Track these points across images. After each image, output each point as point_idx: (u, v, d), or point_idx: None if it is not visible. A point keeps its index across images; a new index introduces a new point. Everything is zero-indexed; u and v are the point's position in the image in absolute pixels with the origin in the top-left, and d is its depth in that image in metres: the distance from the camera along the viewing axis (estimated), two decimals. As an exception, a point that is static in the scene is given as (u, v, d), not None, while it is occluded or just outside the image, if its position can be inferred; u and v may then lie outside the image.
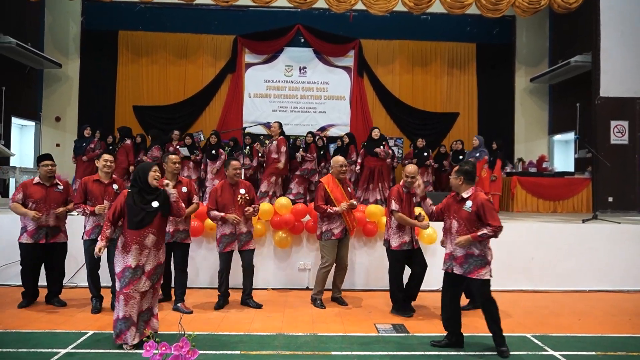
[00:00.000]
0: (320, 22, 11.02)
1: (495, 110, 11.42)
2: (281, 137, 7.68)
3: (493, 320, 3.70)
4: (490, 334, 3.74)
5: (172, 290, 5.02)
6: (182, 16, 10.98)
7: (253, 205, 4.91)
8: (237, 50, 11.15)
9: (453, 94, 11.51)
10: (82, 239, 4.68)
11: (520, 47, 11.58)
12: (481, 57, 11.49)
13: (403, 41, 11.40)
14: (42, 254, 4.76)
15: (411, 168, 4.83)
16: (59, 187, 4.79)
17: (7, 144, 9.50)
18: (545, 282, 5.91)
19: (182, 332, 1.90)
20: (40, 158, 4.80)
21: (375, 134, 8.17)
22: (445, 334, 3.89)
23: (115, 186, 4.71)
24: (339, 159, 5.10)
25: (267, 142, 9.25)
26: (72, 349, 3.62)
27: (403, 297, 4.84)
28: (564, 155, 11.53)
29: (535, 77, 11.11)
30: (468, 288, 4.32)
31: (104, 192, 4.63)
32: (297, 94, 11.36)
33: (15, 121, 10.22)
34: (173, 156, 4.78)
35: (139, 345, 3.52)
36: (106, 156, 4.73)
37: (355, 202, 4.97)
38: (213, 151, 8.18)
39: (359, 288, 5.75)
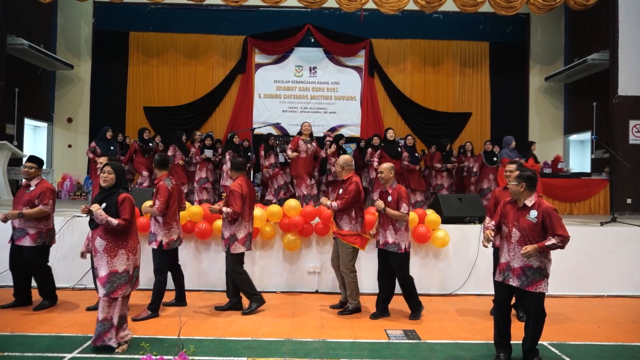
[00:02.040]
0: (331, 21, 10.93)
1: (508, 110, 11.22)
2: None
3: (539, 334, 3.58)
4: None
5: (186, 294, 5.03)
6: (192, 17, 10.97)
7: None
8: (247, 50, 11.10)
9: (465, 93, 11.33)
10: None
11: (535, 45, 11.35)
12: (494, 56, 11.29)
13: (414, 40, 11.25)
14: (16, 254, 4.77)
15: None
16: (30, 188, 4.74)
17: (20, 145, 9.58)
18: (562, 286, 5.73)
19: (180, 343, 1.81)
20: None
21: (390, 134, 8.04)
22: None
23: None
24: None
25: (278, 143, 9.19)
26: (77, 353, 3.58)
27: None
28: (580, 155, 11.27)
29: (551, 76, 10.88)
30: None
31: None
32: (307, 95, 11.27)
33: (28, 122, 10.31)
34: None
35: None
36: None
37: (322, 200, 4.93)
38: (240, 153, 8.10)
39: (369, 292, 5.62)
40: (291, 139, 7.74)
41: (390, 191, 4.68)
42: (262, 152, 8.20)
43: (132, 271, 3.69)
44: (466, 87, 11.33)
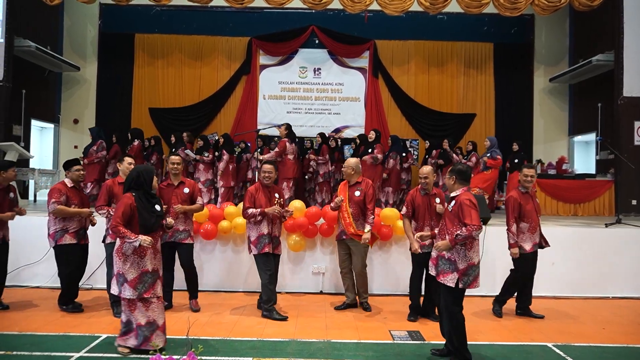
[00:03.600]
0: (335, 23, 10.97)
1: (513, 110, 11.21)
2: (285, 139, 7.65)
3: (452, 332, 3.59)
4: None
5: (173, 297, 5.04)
6: (197, 18, 11.03)
7: (286, 209, 4.88)
8: (252, 51, 11.15)
9: (470, 94, 11.33)
10: (104, 242, 4.63)
11: (540, 46, 11.34)
12: (499, 57, 11.29)
13: (419, 41, 11.26)
14: (82, 255, 4.82)
15: (425, 169, 4.73)
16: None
17: (27, 146, 9.66)
18: (567, 288, 5.74)
19: (189, 343, 1.84)
20: (71, 163, 4.89)
21: (371, 136, 8.07)
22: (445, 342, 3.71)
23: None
24: (346, 161, 5.03)
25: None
26: (85, 352, 3.62)
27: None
28: (584, 156, 11.24)
29: (555, 77, 10.86)
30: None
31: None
32: (312, 96, 11.31)
33: (35, 123, 10.40)
34: (173, 157, 4.90)
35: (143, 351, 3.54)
36: (128, 159, 4.71)
37: (339, 199, 4.83)
38: (217, 152, 8.17)
39: (374, 293, 5.64)
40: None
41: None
42: (258, 154, 8.26)
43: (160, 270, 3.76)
44: (470, 88, 11.33)
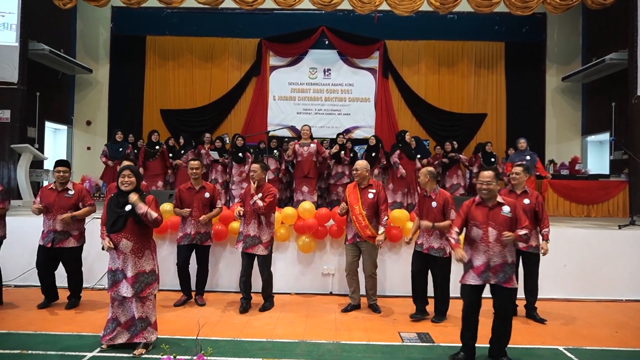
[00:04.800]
0: (345, 23, 10.97)
1: (524, 110, 11.12)
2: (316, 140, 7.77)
3: (509, 331, 3.62)
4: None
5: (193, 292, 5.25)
6: (207, 20, 11.11)
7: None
8: (262, 53, 11.20)
9: (481, 94, 11.26)
10: None
11: (552, 45, 11.22)
12: (510, 56, 11.20)
13: (429, 41, 11.22)
14: (52, 256, 4.84)
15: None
16: (69, 192, 4.81)
17: (41, 148, 9.82)
18: (579, 290, 5.67)
19: (199, 345, 1.87)
20: (56, 163, 4.89)
21: (409, 139, 8.00)
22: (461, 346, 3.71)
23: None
24: (356, 163, 5.02)
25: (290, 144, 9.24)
26: (98, 352, 3.68)
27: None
28: (598, 156, 11.09)
29: (568, 76, 10.74)
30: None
31: None
32: (322, 96, 11.32)
33: (49, 125, 10.57)
34: (192, 162, 5.03)
35: (121, 347, 3.69)
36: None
37: (342, 205, 4.90)
38: (240, 154, 8.19)
39: (385, 294, 5.63)
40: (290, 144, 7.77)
41: (433, 196, 4.61)
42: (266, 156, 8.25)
43: (158, 270, 3.84)
44: (481, 88, 11.26)
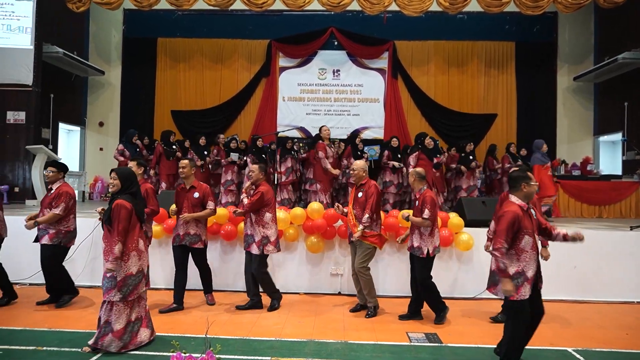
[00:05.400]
0: (354, 24, 10.99)
1: (535, 110, 11.04)
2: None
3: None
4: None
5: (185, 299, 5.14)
6: (217, 22, 11.21)
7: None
8: (272, 54, 11.27)
9: (491, 94, 11.20)
10: None
11: (563, 44, 11.13)
12: (521, 56, 11.12)
13: (438, 41, 11.19)
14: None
15: None
16: (51, 192, 4.96)
17: (55, 149, 10.00)
18: (589, 292, 5.63)
19: (208, 342, 1.91)
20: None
21: (429, 142, 8.03)
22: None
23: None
24: (354, 163, 5.04)
25: (301, 145, 9.30)
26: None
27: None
28: (610, 157, 10.96)
29: (579, 76, 10.63)
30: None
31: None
32: (331, 97, 11.36)
33: (62, 126, 10.74)
34: (182, 161, 5.01)
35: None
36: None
37: (338, 208, 4.97)
38: (263, 155, 8.24)
39: (390, 295, 5.65)
40: (317, 144, 7.78)
41: (417, 196, 4.73)
42: (278, 157, 8.31)
43: (146, 270, 3.88)
44: (491, 88, 11.20)
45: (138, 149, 8.35)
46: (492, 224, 4.79)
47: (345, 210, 5.00)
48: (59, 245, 4.90)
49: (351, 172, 4.99)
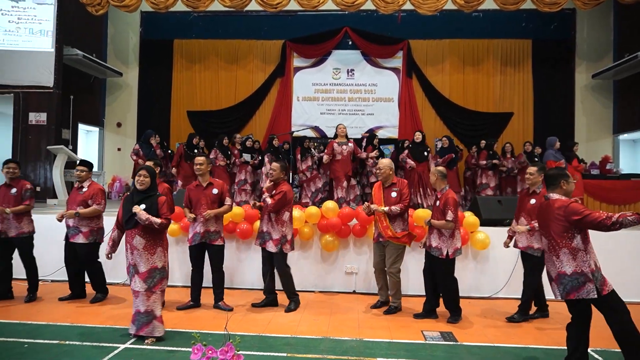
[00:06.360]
0: (368, 24, 10.98)
1: (552, 109, 10.88)
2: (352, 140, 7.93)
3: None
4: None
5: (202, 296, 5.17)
6: (232, 23, 11.31)
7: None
8: (286, 54, 11.33)
9: (507, 93, 11.08)
10: None
11: (581, 41, 10.95)
12: (538, 54, 10.98)
13: (453, 40, 11.11)
14: (71, 251, 5.17)
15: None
16: (83, 190, 5.11)
17: (75, 149, 10.21)
18: (609, 292, 5.54)
19: (227, 334, 1.96)
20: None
21: (417, 137, 8.08)
22: None
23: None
24: (379, 161, 5.03)
25: (316, 145, 9.34)
26: (130, 344, 3.84)
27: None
28: (631, 155, 10.77)
29: (598, 73, 10.46)
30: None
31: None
32: (345, 97, 11.37)
33: (82, 127, 10.97)
34: (197, 158, 5.00)
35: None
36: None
37: (372, 207, 4.84)
38: (280, 155, 8.31)
39: (409, 294, 5.64)
40: (328, 142, 7.90)
41: (439, 195, 4.69)
42: (299, 156, 8.37)
43: (168, 267, 4.00)
44: (507, 87, 11.08)
45: (152, 149, 8.50)
46: (514, 222, 4.74)
47: (371, 209, 4.88)
48: (94, 242, 5.13)
49: (377, 171, 4.97)
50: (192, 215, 4.90)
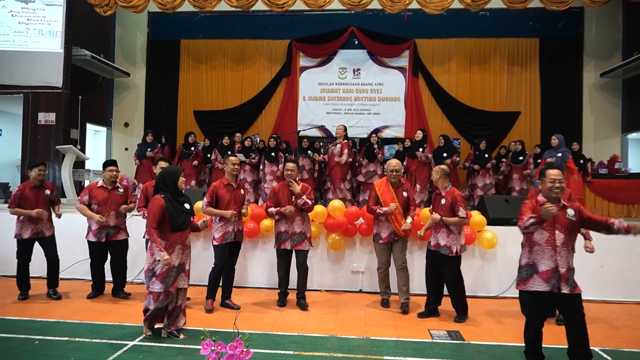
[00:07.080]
0: (374, 23, 10.96)
1: (560, 108, 10.80)
2: (345, 140, 7.87)
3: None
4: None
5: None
6: (239, 23, 11.34)
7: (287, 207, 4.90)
8: (292, 54, 11.34)
9: (514, 92, 11.01)
10: (144, 237, 4.94)
11: (589, 40, 10.86)
12: (545, 53, 10.90)
13: (460, 39, 11.06)
14: (105, 250, 5.30)
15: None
16: (119, 190, 5.26)
17: (83, 149, 10.29)
18: (616, 292, 5.52)
19: (237, 331, 1.97)
20: (106, 163, 5.31)
21: (418, 135, 8.11)
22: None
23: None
24: (391, 162, 5.04)
25: (323, 145, 9.37)
26: (139, 341, 3.87)
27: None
28: (639, 154, 10.67)
29: (607, 72, 10.37)
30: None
31: None
32: (351, 96, 11.36)
33: (90, 127, 11.05)
34: (232, 158, 4.95)
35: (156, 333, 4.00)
36: (161, 162, 5.25)
37: (394, 205, 4.83)
38: (272, 153, 8.35)
39: (415, 293, 5.63)
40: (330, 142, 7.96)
41: (443, 194, 4.69)
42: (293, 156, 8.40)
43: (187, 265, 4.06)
44: (514, 86, 11.01)
45: (149, 149, 8.63)
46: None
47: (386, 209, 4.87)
48: (127, 240, 5.38)
49: (393, 172, 4.94)
50: (232, 212, 4.76)
